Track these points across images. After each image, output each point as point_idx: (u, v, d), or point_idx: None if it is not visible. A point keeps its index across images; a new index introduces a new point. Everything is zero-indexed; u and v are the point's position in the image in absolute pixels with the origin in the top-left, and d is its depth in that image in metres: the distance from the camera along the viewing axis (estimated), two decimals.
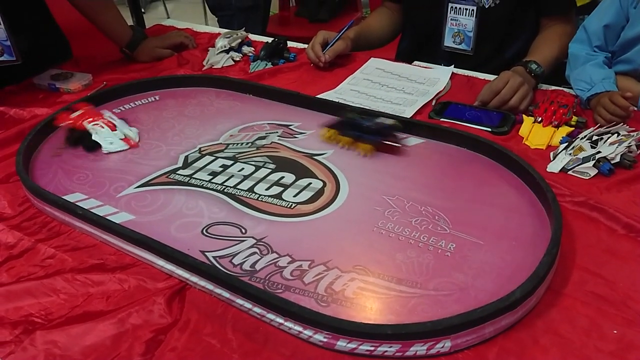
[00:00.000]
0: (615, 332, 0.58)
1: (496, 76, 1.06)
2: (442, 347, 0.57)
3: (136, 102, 1.10)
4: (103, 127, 0.94)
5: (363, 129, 0.89)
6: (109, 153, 0.93)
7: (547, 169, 0.84)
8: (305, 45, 1.32)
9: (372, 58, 1.24)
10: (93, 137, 0.93)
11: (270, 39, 1.33)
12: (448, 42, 1.17)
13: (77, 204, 0.79)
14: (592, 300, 0.62)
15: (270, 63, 1.24)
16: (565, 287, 0.64)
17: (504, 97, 0.97)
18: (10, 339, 0.61)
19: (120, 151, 0.93)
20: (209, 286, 0.65)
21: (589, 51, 1.04)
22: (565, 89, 1.08)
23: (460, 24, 1.15)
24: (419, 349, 0.57)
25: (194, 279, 0.66)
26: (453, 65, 1.18)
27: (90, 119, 0.96)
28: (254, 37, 1.41)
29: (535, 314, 0.61)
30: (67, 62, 1.32)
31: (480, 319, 0.57)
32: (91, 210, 0.76)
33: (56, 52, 1.35)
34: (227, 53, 1.28)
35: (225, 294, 0.64)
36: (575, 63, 1.04)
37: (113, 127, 0.95)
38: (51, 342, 0.61)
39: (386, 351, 0.57)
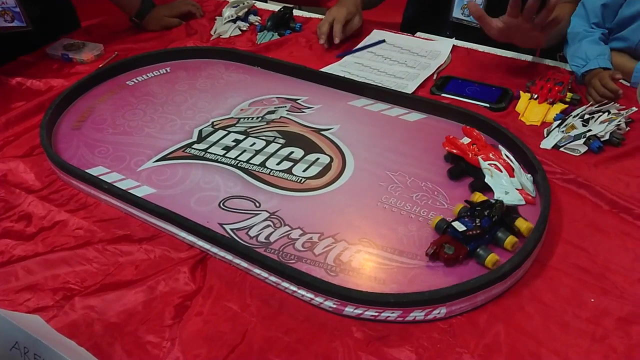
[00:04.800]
0: (592, 300, 0.65)
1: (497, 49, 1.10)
2: (439, 313, 0.64)
3: (148, 74, 1.14)
4: (501, 171, 0.79)
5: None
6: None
7: (541, 146, 0.89)
8: (311, 15, 1.35)
9: (375, 30, 1.27)
10: (486, 180, 0.79)
11: (276, 7, 1.35)
12: (456, 13, 1.19)
13: (101, 177, 0.84)
14: (574, 271, 0.69)
15: (277, 34, 1.27)
16: (550, 259, 0.71)
17: None
18: (52, 304, 0.68)
19: (513, 205, 0.75)
20: (228, 257, 0.72)
21: (587, 28, 1.08)
22: (560, 66, 1.12)
23: None
24: (417, 314, 0.64)
25: (214, 249, 0.73)
26: (454, 38, 1.21)
27: (485, 155, 0.81)
28: (260, 5, 1.43)
29: (522, 284, 0.68)
30: (77, 31, 1.35)
31: (473, 289, 0.64)
32: (115, 184, 0.82)
33: (65, 20, 1.37)
34: (234, 22, 1.31)
35: (244, 264, 0.71)
36: (573, 39, 1.08)
37: (512, 173, 0.79)
38: (89, 307, 0.68)
39: (389, 316, 0.64)
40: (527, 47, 1.07)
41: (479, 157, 0.81)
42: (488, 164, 0.80)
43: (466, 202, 0.76)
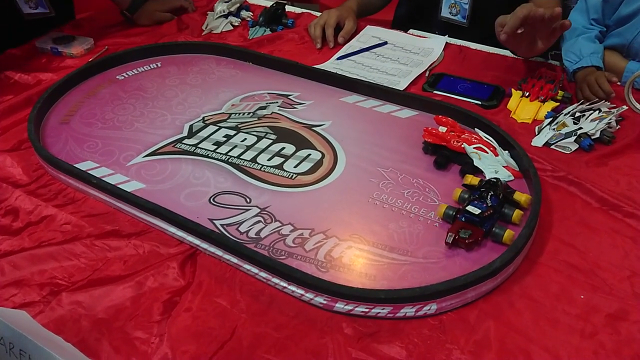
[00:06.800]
0: (582, 297, 0.66)
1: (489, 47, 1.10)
2: (429, 309, 0.64)
3: (139, 69, 1.13)
4: (487, 152, 0.82)
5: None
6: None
7: (532, 143, 0.90)
8: (303, 10, 1.35)
9: (368, 26, 1.27)
10: (476, 163, 0.81)
11: (268, 3, 1.35)
12: (445, 12, 1.19)
13: (89, 172, 0.83)
14: (564, 268, 0.69)
15: (268, 29, 1.27)
16: (540, 256, 0.71)
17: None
18: (38, 299, 0.67)
19: (504, 181, 0.76)
20: (218, 252, 0.71)
21: (586, 24, 1.08)
22: (552, 62, 1.12)
23: None
24: (408, 310, 0.64)
25: (204, 245, 0.72)
26: (447, 35, 1.21)
27: (467, 140, 0.83)
28: (252, 0, 1.42)
29: (512, 281, 0.68)
30: (67, 24, 1.33)
31: (463, 285, 0.63)
32: (103, 179, 0.81)
33: (60, 12, 1.35)
34: (226, 18, 1.30)
35: (234, 260, 0.70)
36: (570, 34, 1.08)
37: (495, 152, 0.82)
38: (76, 302, 0.67)
39: (379, 312, 0.64)
40: (527, 55, 1.01)
41: (464, 144, 0.83)
42: (473, 148, 0.82)
43: (464, 186, 0.78)
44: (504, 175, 0.80)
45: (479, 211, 0.70)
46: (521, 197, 0.75)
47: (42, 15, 1.16)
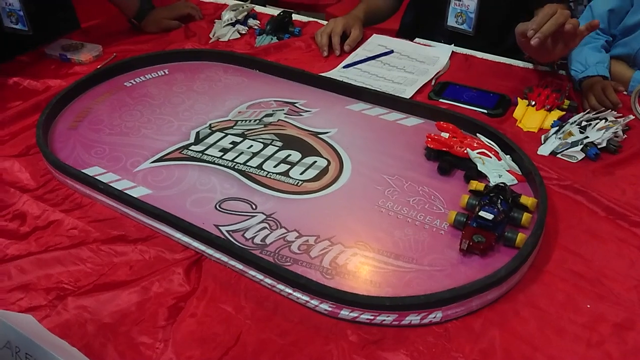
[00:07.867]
0: (588, 306, 0.65)
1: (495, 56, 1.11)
2: (434, 317, 0.64)
3: (146, 76, 1.14)
4: (490, 157, 0.83)
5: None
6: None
7: (538, 152, 0.90)
8: (310, 19, 1.36)
9: (374, 35, 1.27)
10: (480, 168, 0.82)
11: (275, 11, 1.36)
12: (451, 21, 1.20)
13: (96, 178, 0.84)
14: (570, 277, 0.69)
15: (275, 37, 1.27)
16: (546, 265, 0.71)
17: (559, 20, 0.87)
18: (44, 303, 0.68)
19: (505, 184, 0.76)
20: (224, 258, 0.71)
21: (592, 33, 1.08)
22: (559, 71, 1.12)
23: (462, 4, 1.18)
24: (413, 318, 0.63)
25: (209, 251, 0.73)
26: (453, 44, 1.21)
27: (470, 145, 0.84)
28: (259, 9, 1.43)
29: (518, 289, 0.68)
30: (76, 32, 1.35)
31: (468, 294, 0.63)
32: (110, 185, 0.82)
33: (64, 20, 1.37)
34: (233, 26, 1.31)
35: (239, 266, 0.70)
36: None
37: (498, 156, 0.83)
38: (82, 307, 0.67)
39: (384, 320, 0.64)
40: (547, 59, 0.99)
41: (467, 149, 0.84)
42: (477, 153, 0.83)
43: (471, 192, 0.78)
44: (508, 179, 0.81)
45: (492, 216, 0.71)
46: (527, 200, 0.75)
47: (20, 32, 1.16)
